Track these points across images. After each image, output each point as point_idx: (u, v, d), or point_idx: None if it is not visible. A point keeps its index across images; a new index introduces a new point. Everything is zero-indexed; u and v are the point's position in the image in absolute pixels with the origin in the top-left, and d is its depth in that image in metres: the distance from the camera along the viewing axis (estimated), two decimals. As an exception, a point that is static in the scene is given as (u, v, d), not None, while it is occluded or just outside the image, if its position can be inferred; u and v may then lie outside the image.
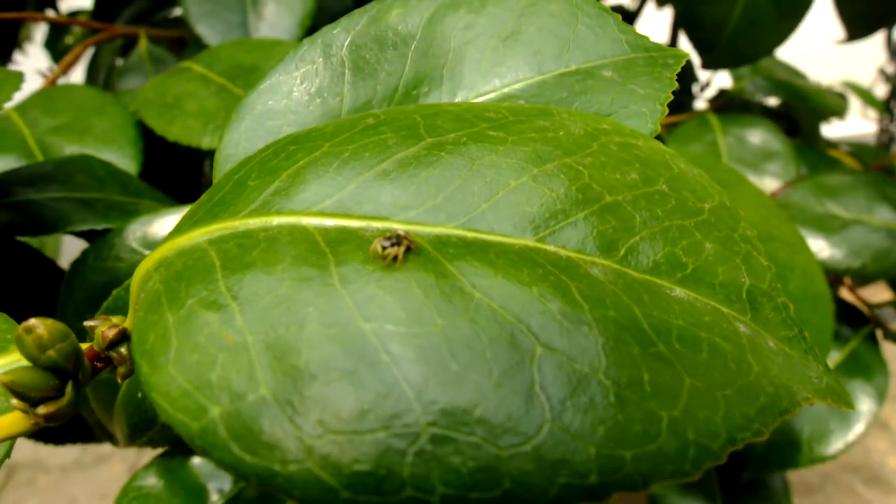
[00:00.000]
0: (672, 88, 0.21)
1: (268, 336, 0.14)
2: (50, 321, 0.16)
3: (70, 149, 0.41)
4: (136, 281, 0.17)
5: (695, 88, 0.81)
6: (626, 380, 0.13)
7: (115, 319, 0.18)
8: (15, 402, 0.16)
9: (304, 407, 0.13)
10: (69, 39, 0.81)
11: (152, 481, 0.39)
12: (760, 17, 0.48)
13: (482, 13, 0.23)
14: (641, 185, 0.18)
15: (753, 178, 0.51)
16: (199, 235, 0.16)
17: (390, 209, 0.16)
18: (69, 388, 0.16)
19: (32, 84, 0.57)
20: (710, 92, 0.93)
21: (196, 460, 0.40)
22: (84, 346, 0.18)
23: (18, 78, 0.32)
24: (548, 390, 0.13)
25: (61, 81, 0.51)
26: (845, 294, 0.59)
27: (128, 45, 0.58)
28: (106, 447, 1.25)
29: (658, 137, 0.61)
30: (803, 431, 0.48)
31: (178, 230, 0.17)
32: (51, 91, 0.44)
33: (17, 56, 0.83)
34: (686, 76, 0.77)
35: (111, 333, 0.17)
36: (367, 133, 0.18)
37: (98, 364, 0.18)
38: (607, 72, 0.22)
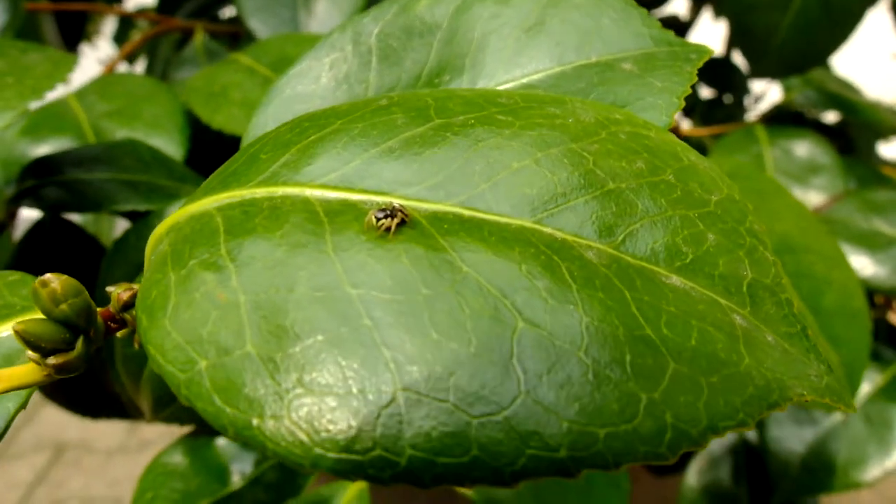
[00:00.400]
0: (691, 82, 0.21)
1: (258, 296, 0.14)
2: (65, 277, 0.17)
3: (121, 133, 0.43)
4: (150, 245, 0.18)
5: (747, 101, 0.80)
6: (607, 359, 0.13)
7: (134, 286, 0.19)
8: (29, 353, 0.17)
9: (285, 365, 0.13)
10: (136, 34, 0.84)
11: (178, 458, 0.40)
12: (811, 25, 0.47)
13: (508, 4, 0.23)
14: (647, 174, 0.17)
15: (798, 192, 0.50)
16: (209, 203, 0.17)
17: (392, 185, 0.16)
18: (80, 343, 0.17)
19: (97, 74, 0.59)
20: (765, 105, 0.91)
21: (221, 441, 0.41)
22: (101, 309, 0.19)
23: (72, 61, 0.34)
24: (525, 363, 0.13)
25: (122, 70, 0.53)
26: (894, 318, 0.57)
27: (185, 39, 0.60)
28: (149, 433, 1.29)
29: (702, 147, 0.60)
30: (839, 455, 0.46)
31: (192, 199, 0.18)
32: (107, 78, 0.46)
33: (86, 48, 0.87)
34: (737, 87, 0.75)
35: (126, 296, 0.18)
36: (378, 113, 0.18)
37: (112, 325, 0.19)
38: (627, 64, 0.22)
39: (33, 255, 0.43)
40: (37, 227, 0.43)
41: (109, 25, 0.93)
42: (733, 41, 0.53)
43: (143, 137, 0.43)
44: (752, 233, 0.18)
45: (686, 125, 0.65)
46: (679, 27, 0.89)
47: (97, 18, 0.82)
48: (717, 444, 0.51)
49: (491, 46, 0.23)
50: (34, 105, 0.31)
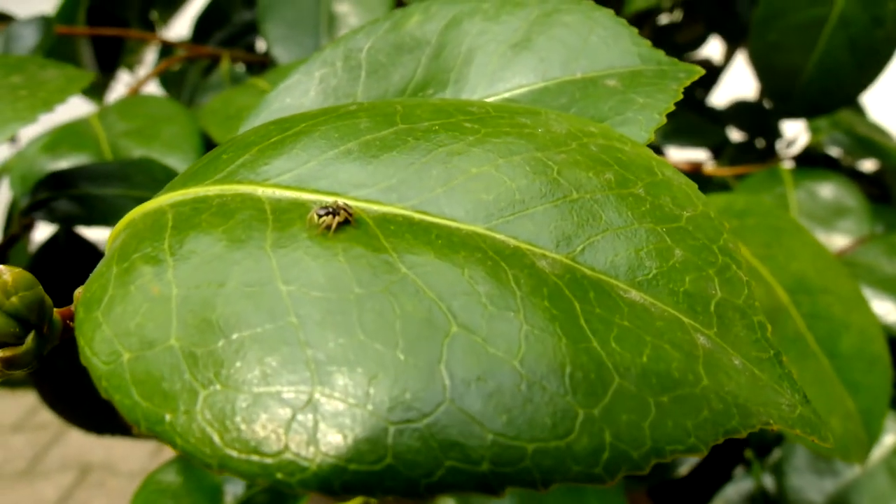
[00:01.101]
0: (675, 100, 0.20)
1: (190, 290, 0.14)
2: (18, 270, 0.17)
3: (138, 152, 0.44)
4: (108, 241, 0.17)
5: (779, 144, 0.78)
6: (543, 370, 0.13)
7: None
8: (-22, 345, 0.16)
9: (204, 360, 0.13)
10: (194, 68, 0.87)
11: (171, 477, 0.40)
12: (837, 66, 0.46)
13: (496, 21, 0.23)
14: (615, 186, 0.17)
15: (822, 234, 0.48)
16: (164, 200, 0.17)
17: (344, 186, 0.16)
18: (30, 338, 0.17)
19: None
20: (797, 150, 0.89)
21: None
22: (62, 308, 0.19)
23: (86, 77, 0.34)
24: (454, 369, 0.12)
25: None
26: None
27: (213, 66, 0.61)
28: (172, 456, 1.29)
29: (725, 186, 0.58)
30: (862, 509, 0.44)
31: (153, 197, 0.18)
32: (130, 99, 0.47)
33: (127, 76, 0.89)
34: (769, 131, 0.74)
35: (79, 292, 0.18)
36: (343, 117, 0.18)
37: (70, 322, 0.18)
38: (612, 81, 0.21)
39: (46, 268, 0.43)
40: (50, 241, 0.44)
41: (151, 55, 0.96)
42: (759, 80, 0.52)
43: (159, 157, 0.44)
44: (725, 251, 0.17)
45: (710, 166, 0.64)
46: (712, 71, 0.88)
47: (139, 48, 0.84)
48: (735, 492, 0.49)
49: (476, 62, 0.22)
50: (44, 116, 0.31)
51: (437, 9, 0.24)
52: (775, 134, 0.77)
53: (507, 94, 0.22)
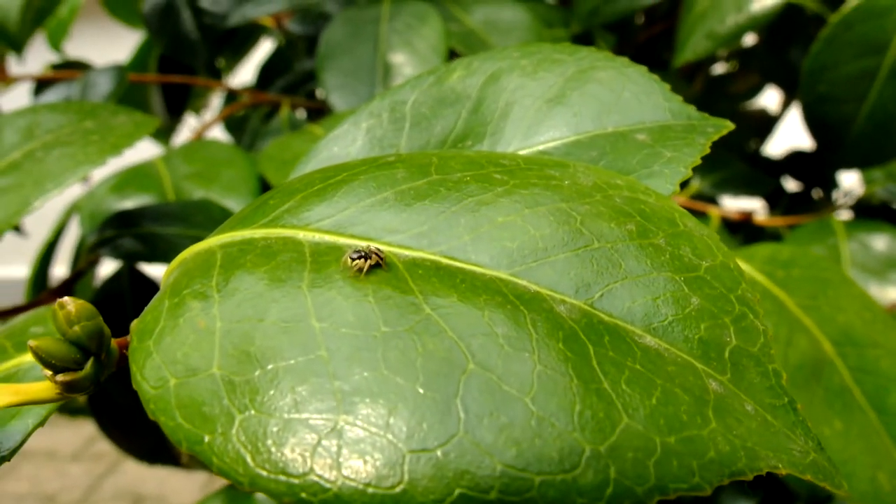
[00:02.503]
0: (703, 153, 0.21)
1: (232, 324, 0.15)
2: (81, 302, 0.18)
3: (198, 193, 0.46)
4: (163, 278, 0.19)
5: (836, 195, 0.77)
6: (553, 407, 0.13)
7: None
8: (45, 371, 0.18)
9: (242, 388, 0.14)
10: (255, 115, 0.91)
11: (217, 506, 0.41)
12: (889, 118, 0.46)
13: (533, 77, 0.24)
14: (637, 237, 0.18)
15: (876, 287, 0.47)
16: (215, 241, 0.18)
17: (379, 232, 0.17)
18: (89, 364, 0.18)
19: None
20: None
21: (259, 496, 0.42)
22: (121, 339, 0.20)
23: (152, 123, 0.37)
24: (468, 404, 0.13)
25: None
26: None
27: (273, 112, 0.64)
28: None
29: (777, 236, 0.58)
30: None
31: (205, 239, 0.19)
32: (193, 143, 0.50)
33: (193, 120, 0.94)
34: (826, 181, 0.73)
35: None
36: (382, 167, 0.19)
37: (126, 351, 0.20)
38: (641, 135, 0.22)
39: (109, 301, 0.46)
40: (114, 276, 0.46)
41: (217, 100, 1.00)
42: (809, 131, 0.52)
43: (217, 198, 0.46)
44: (742, 301, 0.17)
45: (762, 215, 0.63)
46: (768, 120, 0.88)
47: (206, 94, 0.89)
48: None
49: (512, 116, 0.24)
50: (112, 159, 0.34)
51: (479, 65, 0.26)
52: (832, 184, 0.76)
53: (540, 147, 0.23)
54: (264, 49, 0.83)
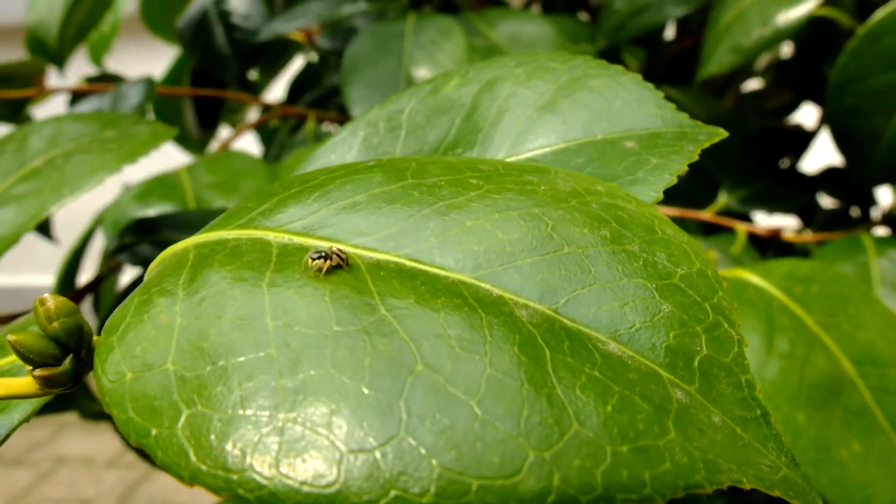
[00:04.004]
0: (691, 160, 0.21)
1: (191, 321, 0.15)
2: (61, 298, 0.19)
3: (218, 203, 0.47)
4: (145, 276, 0.19)
5: (874, 212, 0.75)
6: (499, 411, 0.13)
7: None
8: (21, 363, 0.18)
9: (192, 383, 0.14)
10: (274, 122, 0.92)
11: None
12: (919, 132, 0.44)
13: (526, 85, 0.24)
14: (610, 243, 0.17)
15: (906, 307, 0.46)
16: (192, 241, 0.18)
17: (346, 234, 0.17)
18: (68, 360, 0.19)
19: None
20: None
21: None
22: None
23: (170, 132, 0.38)
24: (411, 405, 0.13)
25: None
26: None
27: (300, 124, 0.65)
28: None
29: (805, 253, 0.56)
30: None
31: (185, 239, 0.19)
32: (217, 155, 0.51)
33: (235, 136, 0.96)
34: (860, 196, 0.71)
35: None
36: (360, 172, 0.19)
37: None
38: (630, 142, 0.22)
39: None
40: (135, 282, 0.47)
41: (254, 115, 1.02)
42: (837, 146, 0.51)
43: (237, 207, 0.47)
44: (718, 310, 0.17)
45: (790, 231, 0.62)
46: (803, 137, 0.86)
47: (241, 108, 0.91)
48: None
49: (503, 123, 0.24)
50: (128, 167, 0.35)
51: (475, 73, 0.26)
52: (869, 201, 0.74)
53: (528, 154, 0.23)
54: (298, 65, 0.84)
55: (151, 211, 0.46)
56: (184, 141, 0.76)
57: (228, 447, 0.13)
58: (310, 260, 0.16)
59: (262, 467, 0.13)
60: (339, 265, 0.16)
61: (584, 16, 0.84)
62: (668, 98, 0.23)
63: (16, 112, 0.57)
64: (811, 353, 0.35)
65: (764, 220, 0.74)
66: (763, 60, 0.88)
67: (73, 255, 0.51)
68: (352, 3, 0.65)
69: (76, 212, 0.76)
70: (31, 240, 0.67)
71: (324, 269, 0.15)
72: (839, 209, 0.76)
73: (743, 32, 0.51)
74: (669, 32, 0.88)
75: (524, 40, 0.61)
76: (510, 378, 0.14)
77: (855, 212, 0.76)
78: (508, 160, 0.22)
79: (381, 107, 0.27)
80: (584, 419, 0.14)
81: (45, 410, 0.49)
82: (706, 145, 0.21)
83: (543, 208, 0.18)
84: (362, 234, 0.17)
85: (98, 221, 0.50)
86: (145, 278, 0.18)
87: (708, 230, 0.63)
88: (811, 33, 0.72)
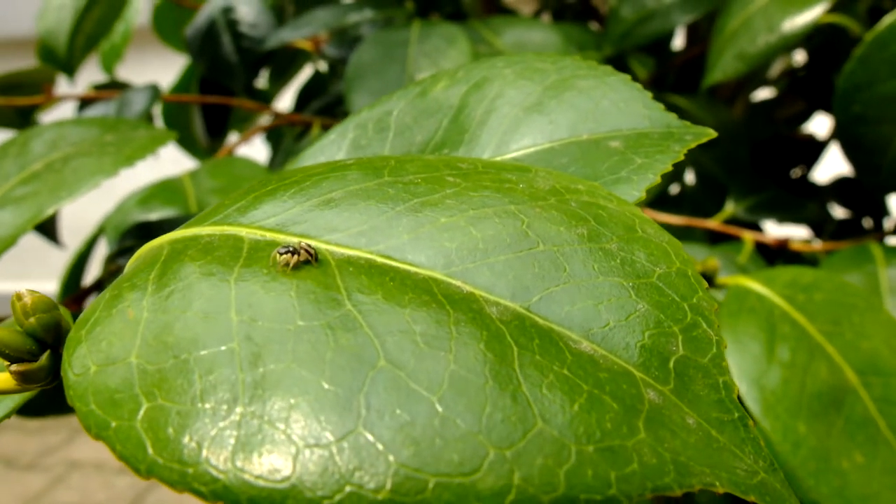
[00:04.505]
0: (676, 161, 0.20)
1: (157, 315, 0.15)
2: (38, 294, 0.19)
3: (220, 207, 0.47)
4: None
5: (887, 223, 0.74)
6: (460, 408, 0.13)
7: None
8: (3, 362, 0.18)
9: (153, 376, 0.14)
10: (289, 135, 0.93)
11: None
12: (927, 139, 0.44)
13: (513, 86, 0.24)
14: (587, 241, 0.17)
15: (915, 317, 0.45)
16: (168, 237, 0.18)
17: (319, 230, 0.17)
18: (45, 356, 0.19)
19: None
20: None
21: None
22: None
23: (168, 136, 0.38)
24: (371, 400, 0.13)
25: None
26: None
27: (305, 131, 0.66)
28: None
29: (812, 262, 0.56)
30: None
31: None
32: (220, 160, 0.52)
33: (243, 146, 0.96)
34: (872, 206, 0.70)
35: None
36: (337, 169, 0.19)
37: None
38: (615, 142, 0.21)
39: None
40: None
41: (263, 122, 1.03)
42: (845, 154, 0.50)
43: (239, 213, 0.47)
44: (696, 310, 0.16)
45: (799, 241, 0.61)
46: (815, 146, 0.85)
47: (253, 117, 0.91)
48: None
49: (489, 124, 0.23)
50: (124, 170, 0.35)
51: (463, 75, 0.26)
52: (881, 211, 0.73)
53: (514, 154, 0.22)
54: (307, 74, 0.85)
55: (154, 215, 0.46)
56: (193, 148, 0.77)
57: (185, 440, 0.13)
58: (277, 255, 0.16)
59: (217, 461, 0.12)
60: (307, 260, 0.16)
61: (594, 25, 0.84)
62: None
63: (24, 119, 0.57)
64: (813, 361, 0.35)
65: (775, 230, 0.73)
66: (776, 69, 0.87)
67: (78, 260, 0.51)
68: (358, 11, 0.65)
69: (85, 218, 0.77)
70: (42, 246, 0.68)
71: (291, 264, 0.15)
72: (851, 219, 0.75)
73: (749, 40, 0.51)
74: (679, 41, 0.88)
75: (530, 48, 0.61)
76: (474, 375, 0.13)
77: (868, 222, 0.75)
78: (491, 160, 0.22)
79: (370, 109, 0.27)
80: (550, 417, 0.13)
81: (57, 412, 0.49)
82: (692, 145, 0.21)
83: (520, 206, 0.17)
84: (335, 230, 0.17)
85: (102, 227, 0.51)
86: (122, 273, 0.18)
87: (715, 239, 0.62)
88: (822, 41, 0.72)
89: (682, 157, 0.20)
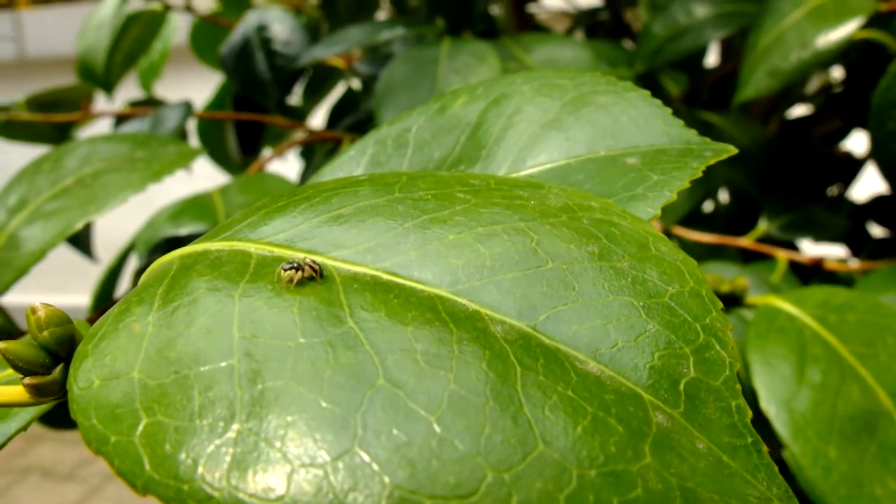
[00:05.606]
0: (693, 178, 0.20)
1: (161, 330, 0.15)
2: (52, 308, 0.19)
3: (248, 223, 0.48)
4: (137, 290, 0.19)
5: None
6: (459, 428, 0.13)
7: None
8: (10, 372, 0.19)
9: (153, 392, 0.14)
10: (320, 151, 0.94)
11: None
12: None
13: (531, 102, 0.24)
14: (597, 259, 0.17)
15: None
16: (179, 252, 0.18)
17: (326, 247, 0.17)
18: (58, 369, 0.19)
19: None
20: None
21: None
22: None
23: (195, 152, 0.39)
24: (368, 419, 0.13)
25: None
26: None
27: (336, 148, 0.66)
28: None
29: (848, 282, 0.54)
30: None
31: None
32: (250, 176, 0.52)
33: (277, 161, 0.97)
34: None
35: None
36: (348, 186, 0.19)
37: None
38: (632, 159, 0.21)
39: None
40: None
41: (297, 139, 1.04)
42: (879, 169, 0.49)
43: (266, 228, 0.47)
44: (709, 331, 0.16)
45: (834, 260, 0.59)
46: (852, 164, 0.83)
47: (288, 134, 0.92)
48: None
49: (506, 140, 0.23)
50: (152, 185, 0.35)
51: (482, 91, 0.26)
52: (923, 230, 0.71)
53: (530, 171, 0.22)
54: (340, 91, 0.86)
55: (183, 230, 0.47)
56: (227, 164, 0.78)
57: (182, 456, 0.13)
58: (282, 271, 0.16)
59: (212, 478, 0.12)
60: (312, 277, 0.16)
61: (628, 43, 0.83)
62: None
63: (62, 135, 0.59)
64: (845, 384, 0.34)
65: (812, 250, 0.71)
66: (813, 85, 0.86)
67: (110, 274, 0.52)
68: (389, 29, 0.66)
69: (120, 233, 0.78)
70: (82, 260, 0.70)
71: (295, 280, 0.15)
72: (890, 238, 0.73)
73: (781, 56, 0.50)
74: (713, 58, 0.87)
75: (560, 65, 0.61)
76: (474, 395, 0.13)
77: (909, 241, 0.73)
78: (504, 176, 0.22)
79: (390, 125, 0.27)
80: (551, 440, 0.13)
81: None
82: (711, 162, 0.20)
83: (530, 223, 0.17)
84: (342, 246, 0.17)
85: (134, 241, 0.51)
86: (134, 287, 0.18)
87: (748, 258, 0.61)
88: (859, 57, 0.70)
89: (699, 174, 0.20)
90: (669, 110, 0.22)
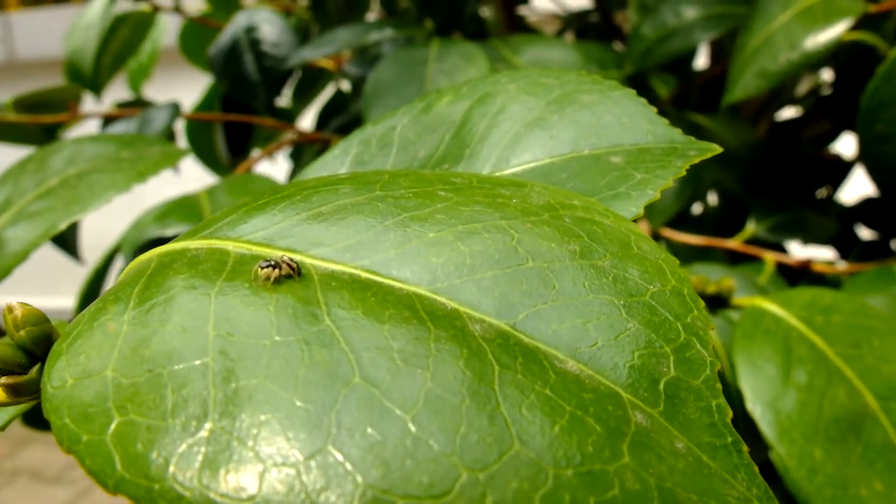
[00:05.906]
0: (677, 177, 0.20)
1: (136, 328, 0.15)
2: (29, 307, 0.19)
3: (236, 223, 0.47)
4: (115, 289, 0.19)
5: (917, 245, 0.72)
6: (434, 427, 0.13)
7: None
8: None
9: (126, 391, 0.14)
10: (309, 153, 0.94)
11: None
12: (954, 158, 0.42)
13: (516, 101, 0.24)
14: (578, 257, 0.17)
15: (943, 341, 0.43)
16: (157, 251, 0.18)
17: (305, 244, 0.17)
18: (35, 369, 0.19)
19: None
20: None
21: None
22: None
23: (180, 153, 0.38)
24: (343, 418, 0.13)
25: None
26: None
27: (324, 149, 0.66)
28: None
29: (834, 283, 0.54)
30: None
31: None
32: (237, 177, 0.52)
33: (264, 161, 0.97)
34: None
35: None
36: (329, 184, 0.19)
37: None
38: (616, 157, 0.21)
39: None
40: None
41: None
42: (867, 172, 0.49)
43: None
44: (690, 329, 0.16)
45: (821, 262, 0.59)
46: (841, 166, 0.84)
47: (277, 136, 0.92)
48: None
49: (490, 139, 0.23)
50: (137, 186, 0.35)
51: (467, 90, 0.25)
52: (911, 233, 0.71)
53: (514, 170, 0.22)
54: (329, 92, 0.85)
55: (170, 231, 0.47)
56: (215, 166, 0.77)
57: (153, 456, 0.12)
58: (259, 269, 0.15)
59: (183, 478, 0.12)
60: (289, 275, 0.15)
61: (618, 45, 0.84)
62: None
63: (50, 136, 0.58)
64: (831, 385, 0.34)
65: (799, 252, 0.71)
66: (802, 87, 0.86)
67: (96, 275, 0.52)
68: (379, 30, 0.66)
69: (107, 234, 0.78)
70: (71, 265, 0.69)
71: (272, 278, 0.15)
72: (878, 241, 0.74)
73: (770, 57, 0.50)
74: (703, 60, 0.87)
75: (549, 66, 0.61)
76: (450, 394, 0.13)
77: (895, 244, 0.73)
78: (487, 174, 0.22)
79: (374, 124, 0.27)
80: (528, 439, 0.13)
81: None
82: (696, 160, 0.20)
83: (511, 221, 0.17)
84: (321, 244, 0.17)
85: (120, 243, 0.51)
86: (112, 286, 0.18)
87: (736, 259, 0.61)
88: (849, 59, 0.70)
89: (683, 173, 0.20)
90: (654, 109, 0.22)
